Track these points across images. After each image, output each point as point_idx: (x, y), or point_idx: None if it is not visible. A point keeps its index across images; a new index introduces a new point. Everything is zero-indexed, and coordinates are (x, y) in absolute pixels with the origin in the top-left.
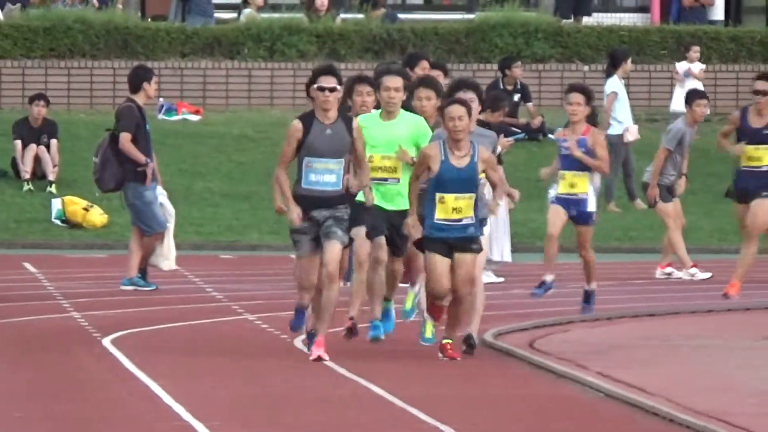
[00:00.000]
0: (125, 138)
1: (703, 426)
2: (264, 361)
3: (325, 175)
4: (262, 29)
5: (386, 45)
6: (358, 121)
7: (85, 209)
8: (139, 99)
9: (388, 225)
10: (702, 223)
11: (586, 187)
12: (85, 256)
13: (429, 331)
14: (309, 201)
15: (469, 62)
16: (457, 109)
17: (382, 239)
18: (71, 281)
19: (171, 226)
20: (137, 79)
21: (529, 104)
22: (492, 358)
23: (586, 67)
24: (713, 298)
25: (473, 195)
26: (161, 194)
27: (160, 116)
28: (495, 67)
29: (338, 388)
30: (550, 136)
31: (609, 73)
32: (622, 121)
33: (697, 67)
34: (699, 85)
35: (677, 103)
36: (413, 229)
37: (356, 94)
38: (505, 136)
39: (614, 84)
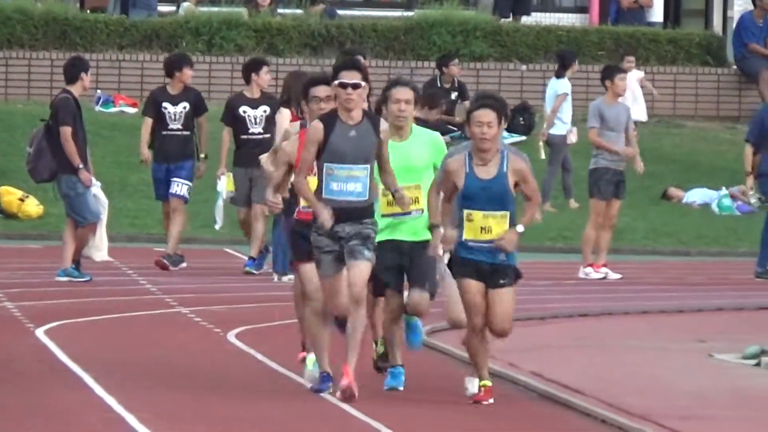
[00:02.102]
0: (66, 132)
1: (635, 427)
2: (196, 354)
3: (349, 183)
4: (201, 23)
5: (325, 41)
6: (385, 123)
7: (21, 200)
8: (75, 90)
9: (403, 262)
10: (636, 225)
11: None
12: (19, 247)
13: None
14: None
15: (407, 59)
16: (486, 114)
17: (399, 295)
18: (5, 271)
19: (104, 217)
20: (74, 70)
21: (467, 102)
22: (425, 356)
23: (523, 67)
24: (647, 300)
25: (506, 213)
26: (95, 185)
27: (98, 108)
28: (433, 64)
29: (269, 382)
30: None
31: (559, 74)
32: (567, 122)
33: (636, 75)
34: (638, 91)
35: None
36: (447, 242)
37: (313, 101)
38: (442, 134)
39: (565, 85)
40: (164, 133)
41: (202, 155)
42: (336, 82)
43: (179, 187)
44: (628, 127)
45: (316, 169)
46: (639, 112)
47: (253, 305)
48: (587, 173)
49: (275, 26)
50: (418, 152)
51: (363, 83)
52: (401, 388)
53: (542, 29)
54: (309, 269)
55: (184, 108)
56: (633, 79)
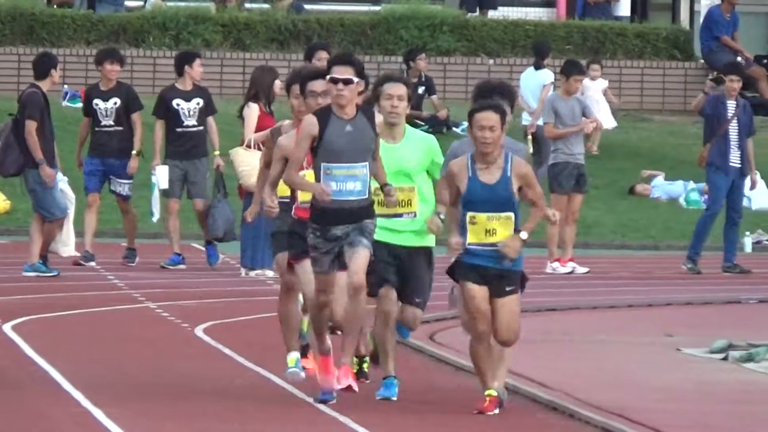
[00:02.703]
0: (31, 126)
1: (602, 421)
2: (164, 349)
3: (348, 182)
4: (168, 18)
5: (291, 36)
6: (379, 116)
7: None
8: (44, 85)
9: (396, 267)
10: (605, 219)
11: None
12: None
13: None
14: (330, 215)
15: (374, 54)
16: (488, 117)
17: (392, 293)
18: None
19: (71, 212)
20: (44, 66)
21: (434, 97)
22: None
23: (491, 61)
24: (615, 294)
25: (510, 215)
26: (62, 180)
27: (65, 103)
28: (400, 59)
29: (237, 378)
30: (454, 129)
31: (538, 65)
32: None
33: (601, 84)
34: (602, 100)
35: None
36: (456, 247)
37: (310, 97)
38: None
39: (549, 75)
40: (97, 129)
41: (134, 152)
42: (328, 77)
43: (121, 186)
44: (587, 116)
45: (311, 166)
46: (605, 120)
47: (220, 300)
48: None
49: (242, 21)
50: (411, 154)
51: (356, 79)
52: (394, 399)
53: (509, 23)
54: (304, 265)
55: (115, 104)
56: (598, 88)
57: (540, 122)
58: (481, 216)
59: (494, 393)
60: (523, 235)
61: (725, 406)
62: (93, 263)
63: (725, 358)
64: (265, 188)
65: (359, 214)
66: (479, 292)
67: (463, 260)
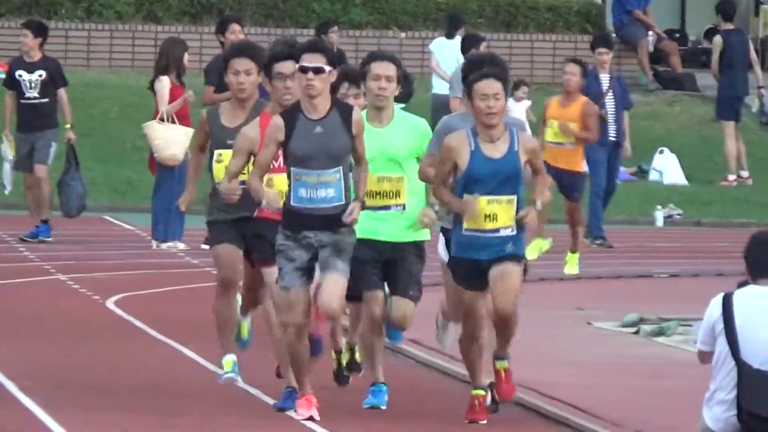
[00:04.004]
0: None
1: (517, 396)
2: (74, 320)
3: (320, 189)
4: None
5: (204, 9)
6: (358, 112)
7: None
8: None
9: (384, 265)
10: None
11: None
12: None
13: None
14: (301, 219)
15: (286, 27)
16: (491, 85)
17: (380, 294)
18: None
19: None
20: None
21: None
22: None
23: (402, 34)
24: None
25: (513, 197)
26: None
27: None
28: (312, 32)
29: (147, 349)
30: None
31: (451, 35)
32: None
33: (524, 105)
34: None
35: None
36: (425, 219)
37: (277, 79)
38: None
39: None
40: (22, 101)
41: (67, 125)
42: (297, 65)
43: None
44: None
45: (282, 168)
46: None
47: (132, 272)
48: None
49: None
50: (400, 140)
51: (327, 68)
52: (383, 407)
53: None
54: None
55: (40, 76)
56: (522, 109)
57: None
58: (482, 199)
59: (482, 392)
60: (539, 205)
61: (641, 380)
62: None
63: (636, 332)
64: (224, 181)
65: (334, 220)
66: (476, 298)
67: (459, 256)
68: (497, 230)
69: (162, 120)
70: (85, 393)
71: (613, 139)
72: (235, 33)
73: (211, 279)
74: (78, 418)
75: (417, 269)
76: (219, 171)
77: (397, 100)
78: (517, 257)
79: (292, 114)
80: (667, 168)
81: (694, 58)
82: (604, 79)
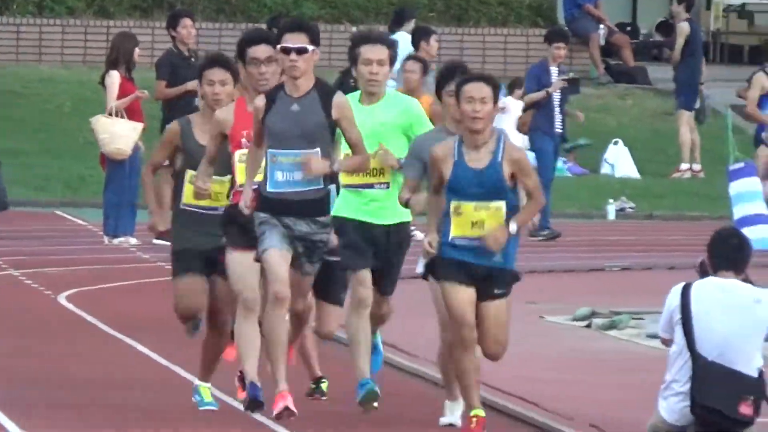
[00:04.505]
0: None
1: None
2: (25, 315)
3: (296, 172)
4: None
5: (155, 3)
6: (341, 95)
7: None
8: None
9: (372, 249)
10: None
11: None
12: None
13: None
14: (279, 206)
15: (238, 21)
16: (478, 88)
17: (367, 273)
18: None
19: None
20: None
21: None
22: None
23: (354, 29)
24: None
25: (501, 204)
26: None
27: None
28: (264, 25)
29: (103, 346)
30: None
31: (393, 29)
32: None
33: (520, 106)
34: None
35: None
36: (430, 248)
37: (252, 64)
38: None
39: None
40: None
41: None
42: (279, 46)
43: None
44: None
45: (251, 141)
46: (515, 138)
47: (84, 267)
48: None
49: None
50: (387, 116)
51: (311, 47)
52: (375, 405)
53: None
54: (239, 257)
55: None
56: (518, 108)
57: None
58: (467, 205)
59: (481, 413)
60: (512, 227)
61: (593, 374)
62: None
63: (588, 326)
64: (200, 166)
65: (312, 207)
66: (464, 294)
67: (444, 255)
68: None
69: (110, 115)
70: (37, 388)
71: (560, 131)
72: (187, 27)
73: (163, 273)
74: (31, 414)
75: (401, 259)
76: (189, 191)
77: (348, 90)
78: (507, 272)
79: (274, 92)
80: (619, 161)
81: (646, 52)
82: (554, 71)
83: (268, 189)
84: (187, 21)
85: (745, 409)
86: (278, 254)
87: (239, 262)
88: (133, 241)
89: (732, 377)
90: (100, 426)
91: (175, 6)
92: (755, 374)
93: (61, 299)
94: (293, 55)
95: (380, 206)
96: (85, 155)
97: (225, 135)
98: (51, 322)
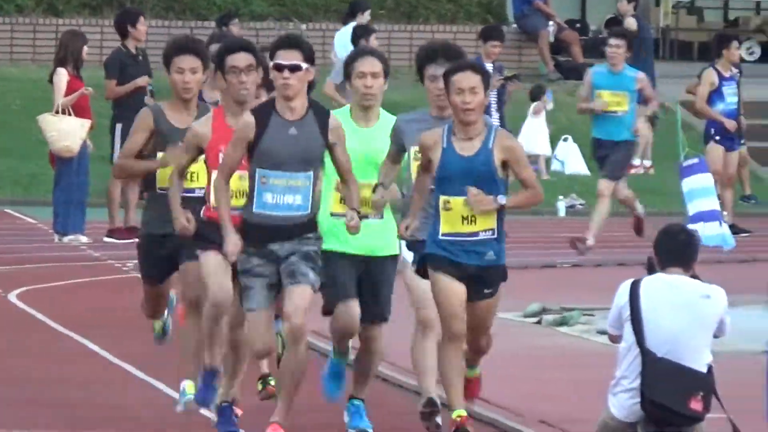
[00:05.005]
0: None
1: (406, 382)
2: None
3: (287, 195)
4: None
5: (104, 1)
6: (336, 119)
7: None
8: None
9: (358, 280)
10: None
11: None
12: None
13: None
14: (265, 232)
15: (187, 19)
16: (468, 78)
17: (354, 305)
18: None
19: None
20: None
21: None
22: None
23: (303, 26)
24: None
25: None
26: None
27: None
28: (213, 24)
29: (54, 344)
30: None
31: (346, 21)
32: None
33: (542, 120)
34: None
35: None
36: (405, 232)
37: (231, 73)
38: None
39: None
40: None
41: None
42: (271, 63)
43: None
44: None
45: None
46: (543, 147)
47: (34, 266)
48: None
49: None
50: (383, 143)
51: (305, 65)
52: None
53: None
54: (211, 258)
55: None
56: (541, 125)
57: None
58: (457, 200)
59: (464, 413)
60: (501, 199)
61: (544, 370)
62: None
63: (539, 322)
64: (171, 180)
65: (300, 229)
66: (454, 288)
67: (432, 252)
68: (476, 233)
69: (57, 112)
70: None
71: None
72: (143, 25)
73: (113, 271)
74: None
75: (391, 288)
76: (163, 174)
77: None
78: (498, 270)
79: (264, 112)
80: (569, 158)
81: (595, 48)
82: (489, 68)
83: (255, 210)
84: (141, 19)
85: (695, 405)
86: (265, 315)
87: (211, 264)
88: (83, 239)
89: (681, 373)
90: (51, 424)
91: (125, 4)
92: (704, 370)
93: (12, 297)
94: (286, 73)
95: (372, 237)
96: (35, 154)
97: (201, 149)
98: (1, 321)
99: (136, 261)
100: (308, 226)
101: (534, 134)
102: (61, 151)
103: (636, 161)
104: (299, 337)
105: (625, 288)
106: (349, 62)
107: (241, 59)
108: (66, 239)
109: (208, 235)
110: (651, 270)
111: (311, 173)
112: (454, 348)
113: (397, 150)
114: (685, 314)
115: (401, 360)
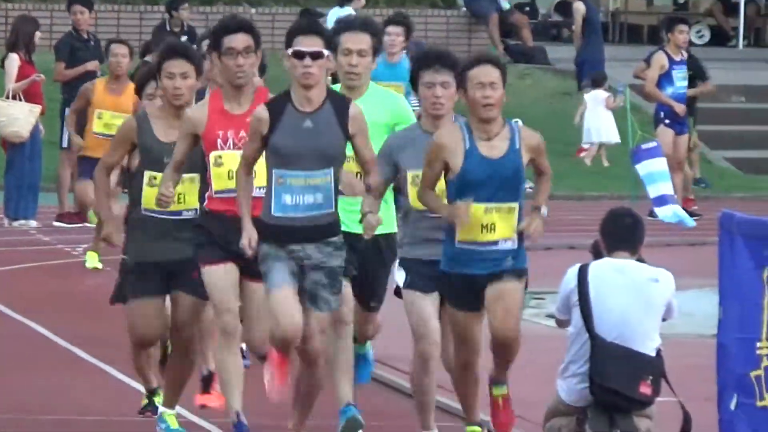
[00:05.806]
0: None
1: (379, 374)
2: None
3: (306, 195)
4: None
5: None
6: (356, 106)
7: None
8: None
9: (356, 261)
10: None
11: None
12: None
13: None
14: (285, 233)
15: (137, 4)
16: (487, 72)
17: (348, 289)
18: None
19: None
20: None
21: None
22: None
23: (253, 10)
24: None
25: (514, 206)
26: None
27: None
28: (163, 8)
29: (2, 329)
30: None
31: (342, 6)
32: None
33: (602, 95)
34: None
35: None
36: (370, 227)
37: (228, 55)
38: None
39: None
40: None
41: None
42: (290, 50)
43: None
44: None
45: (226, 144)
46: (611, 134)
47: None
48: None
49: None
50: (372, 115)
51: (326, 52)
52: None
53: None
54: (215, 272)
55: None
56: (609, 117)
57: None
58: (478, 207)
59: (478, 429)
60: (544, 210)
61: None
62: None
63: None
64: (165, 171)
65: (323, 230)
66: (470, 320)
67: (447, 269)
68: (495, 242)
69: (7, 97)
70: None
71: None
72: (83, 14)
73: (63, 255)
74: None
75: (387, 272)
76: (150, 195)
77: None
78: (518, 272)
79: (279, 104)
80: None
81: (545, 32)
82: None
83: (274, 213)
84: (78, 7)
85: (645, 389)
86: (290, 291)
87: (216, 280)
88: (33, 223)
89: (630, 357)
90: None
91: None
92: (653, 354)
93: None
94: (307, 60)
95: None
96: None
97: (197, 135)
98: None
99: (87, 249)
100: (332, 227)
101: (603, 122)
102: (10, 136)
103: (585, 144)
104: (315, 360)
105: (572, 273)
106: (335, 35)
107: (239, 40)
108: (16, 224)
109: (214, 231)
110: (597, 255)
111: (331, 170)
112: (470, 373)
113: (385, 177)
114: (634, 298)
115: (401, 365)
